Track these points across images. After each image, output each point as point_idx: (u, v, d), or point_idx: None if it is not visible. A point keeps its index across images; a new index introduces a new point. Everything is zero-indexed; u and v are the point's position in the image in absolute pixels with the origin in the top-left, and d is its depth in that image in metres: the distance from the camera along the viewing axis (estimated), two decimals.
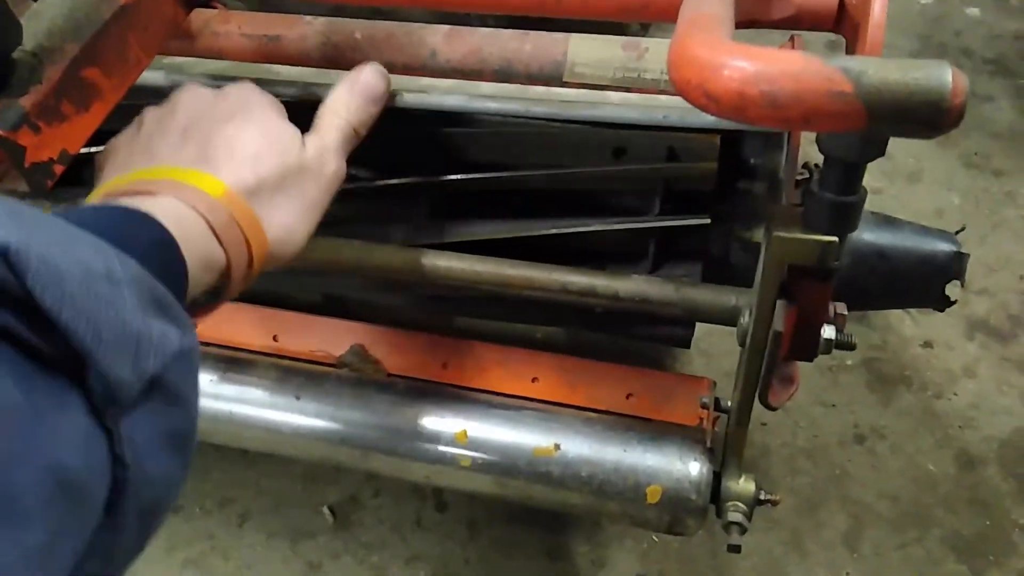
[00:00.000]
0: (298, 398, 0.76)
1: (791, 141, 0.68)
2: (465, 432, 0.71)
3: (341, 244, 0.72)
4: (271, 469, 1.17)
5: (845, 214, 0.49)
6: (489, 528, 1.11)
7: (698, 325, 0.76)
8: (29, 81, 0.51)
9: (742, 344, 0.59)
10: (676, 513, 0.67)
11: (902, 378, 1.25)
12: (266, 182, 0.52)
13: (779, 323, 0.54)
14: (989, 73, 1.75)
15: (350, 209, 0.78)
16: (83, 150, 0.56)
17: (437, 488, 1.14)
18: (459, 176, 0.72)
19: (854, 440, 1.19)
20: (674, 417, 0.72)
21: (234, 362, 0.80)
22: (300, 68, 0.79)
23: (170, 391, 0.36)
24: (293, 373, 0.78)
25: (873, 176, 1.44)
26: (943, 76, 0.32)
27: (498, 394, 0.76)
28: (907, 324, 1.30)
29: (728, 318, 0.67)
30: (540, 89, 0.75)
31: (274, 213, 0.53)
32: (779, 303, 0.54)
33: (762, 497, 0.67)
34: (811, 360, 0.58)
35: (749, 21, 0.49)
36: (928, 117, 0.32)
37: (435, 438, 0.72)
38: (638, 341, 0.79)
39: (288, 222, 0.54)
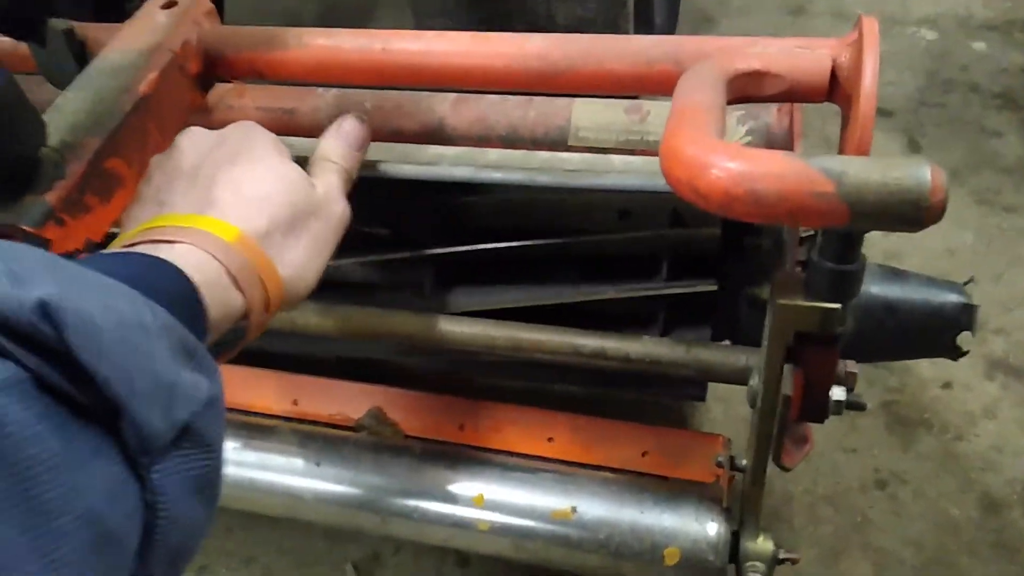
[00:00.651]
0: (319, 464, 0.77)
1: None
2: (482, 496, 0.71)
3: (354, 311, 0.74)
4: (293, 528, 1.18)
5: (845, 282, 0.49)
6: None
7: None
8: (54, 176, 0.52)
9: (753, 406, 0.59)
10: (695, 575, 0.67)
11: (922, 421, 1.24)
12: (277, 223, 0.53)
13: (787, 387, 0.54)
14: (997, 107, 1.75)
15: (362, 277, 0.80)
16: None
17: None
18: (466, 248, 0.73)
19: (875, 485, 1.18)
20: (690, 475, 0.72)
21: (256, 429, 0.81)
22: (314, 140, 0.82)
23: (199, 438, 0.36)
24: (313, 439, 0.80)
25: None
26: (922, 175, 0.33)
27: (514, 454, 0.77)
28: (925, 366, 1.30)
29: (739, 377, 0.67)
30: (545, 155, 0.77)
31: (286, 254, 0.53)
32: (787, 367, 0.55)
33: (781, 556, 0.67)
34: (821, 421, 0.59)
35: (743, 98, 0.51)
36: (908, 215, 0.33)
37: (453, 501, 0.72)
38: (654, 398, 0.80)
39: (299, 262, 0.54)
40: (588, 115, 0.77)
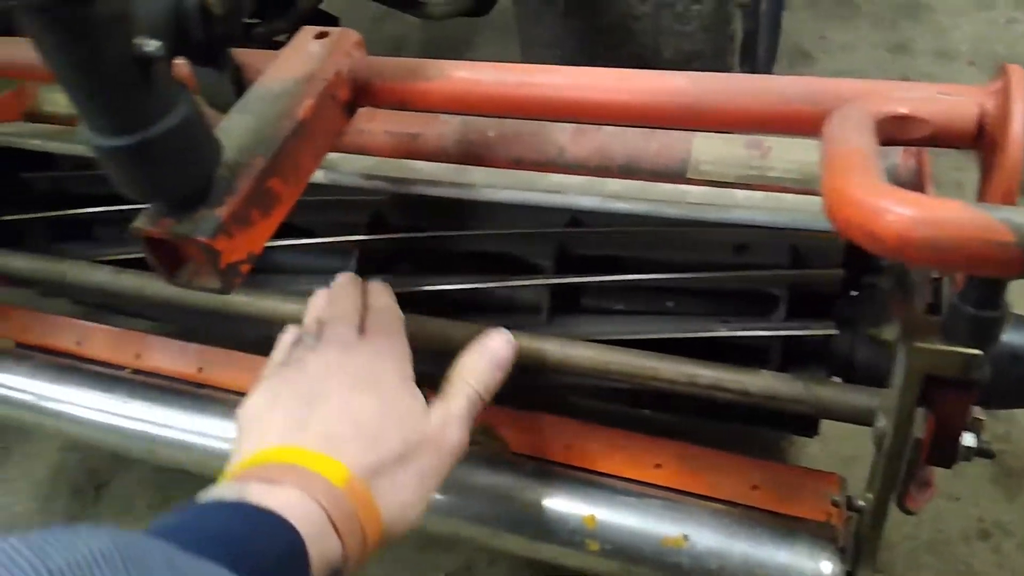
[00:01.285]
0: None
1: None
2: (594, 517, 0.73)
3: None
4: None
5: (988, 328, 0.50)
6: None
7: None
8: (225, 192, 0.57)
9: (879, 447, 0.59)
10: None
11: None
12: (386, 462, 0.53)
13: (919, 431, 0.54)
14: None
15: (483, 298, 0.83)
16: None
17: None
18: (583, 279, 0.75)
19: (978, 536, 1.14)
20: (801, 512, 0.72)
21: None
22: (437, 164, 0.85)
23: None
24: None
25: None
26: None
27: (622, 479, 0.78)
28: None
29: (857, 416, 0.67)
30: (662, 187, 0.79)
31: (391, 493, 0.53)
32: (919, 410, 0.55)
33: None
34: (949, 467, 0.58)
35: (888, 141, 0.51)
36: None
37: (565, 520, 0.74)
38: (764, 429, 0.80)
39: (404, 500, 0.54)
40: (709, 148, 0.79)
